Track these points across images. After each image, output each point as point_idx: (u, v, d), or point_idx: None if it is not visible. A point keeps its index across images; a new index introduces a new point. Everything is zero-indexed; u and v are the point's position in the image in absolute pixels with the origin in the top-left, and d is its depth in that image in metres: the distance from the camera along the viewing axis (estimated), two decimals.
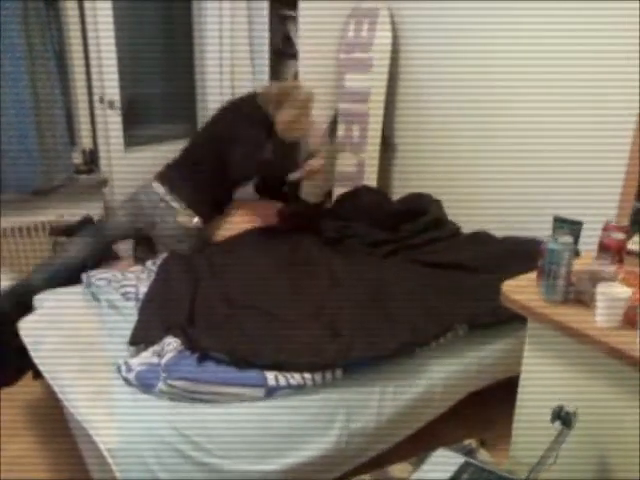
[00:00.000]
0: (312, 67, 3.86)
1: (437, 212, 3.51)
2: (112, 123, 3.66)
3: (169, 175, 3.29)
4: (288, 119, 3.29)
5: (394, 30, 3.73)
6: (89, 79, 3.57)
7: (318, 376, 2.18)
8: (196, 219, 3.21)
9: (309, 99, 3.37)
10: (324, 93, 3.88)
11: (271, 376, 2.13)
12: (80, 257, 3.09)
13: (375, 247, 3.19)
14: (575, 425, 1.63)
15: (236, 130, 3.19)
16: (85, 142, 3.69)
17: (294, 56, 3.93)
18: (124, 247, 3.45)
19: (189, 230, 3.21)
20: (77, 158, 3.66)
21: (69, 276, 2.93)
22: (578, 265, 1.96)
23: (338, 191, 3.93)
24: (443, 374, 2.44)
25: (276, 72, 4.12)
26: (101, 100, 3.60)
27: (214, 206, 3.39)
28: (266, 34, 3.86)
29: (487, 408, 2.61)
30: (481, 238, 3.27)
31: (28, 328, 2.57)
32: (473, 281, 2.78)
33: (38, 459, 2.54)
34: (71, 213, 3.53)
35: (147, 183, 3.30)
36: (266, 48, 3.90)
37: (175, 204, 3.18)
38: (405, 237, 3.27)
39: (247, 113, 3.29)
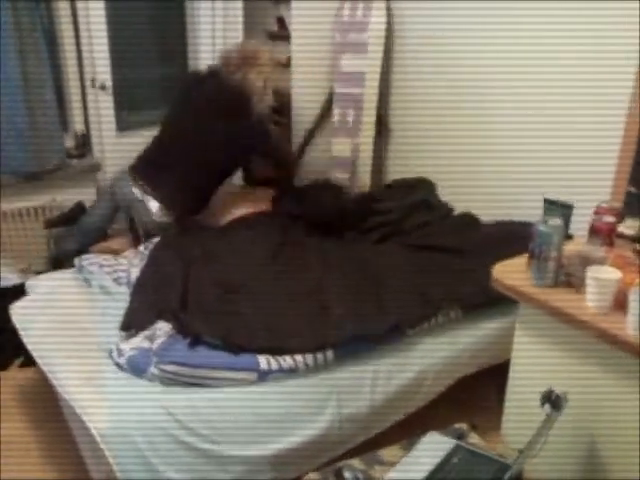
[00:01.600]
0: (305, 50, 3.82)
1: (426, 193, 3.51)
2: (104, 106, 3.64)
3: (146, 172, 3.21)
4: (263, 82, 3.24)
5: (389, 10, 3.69)
6: (80, 61, 3.54)
7: (310, 359, 2.18)
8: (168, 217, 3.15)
9: (273, 58, 3.37)
10: (318, 77, 3.86)
11: (263, 360, 2.13)
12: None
13: (366, 232, 3.18)
14: (565, 408, 1.63)
15: (231, 126, 3.13)
16: (77, 126, 3.67)
17: (287, 38, 3.90)
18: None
19: (162, 224, 3.14)
20: (69, 142, 3.64)
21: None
22: (569, 248, 1.96)
23: (334, 175, 3.92)
24: (435, 359, 2.44)
25: None
26: (92, 83, 3.57)
27: (194, 202, 3.31)
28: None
29: (478, 392, 2.62)
30: (472, 221, 3.27)
31: (20, 312, 2.56)
32: (464, 264, 2.77)
33: (30, 442, 2.54)
34: (64, 197, 3.52)
35: (121, 176, 3.27)
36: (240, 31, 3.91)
37: (151, 203, 3.13)
38: (395, 220, 3.25)
39: (228, 101, 3.19)
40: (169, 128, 3.35)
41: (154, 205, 3.12)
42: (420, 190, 3.54)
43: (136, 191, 3.14)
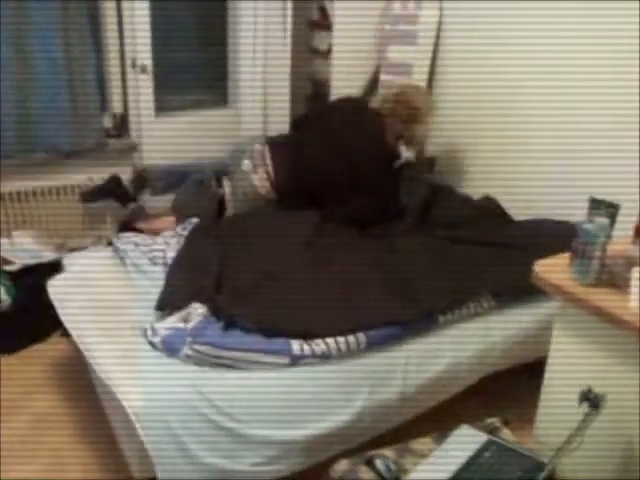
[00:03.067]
0: (347, 39, 3.80)
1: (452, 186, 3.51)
2: (143, 88, 3.66)
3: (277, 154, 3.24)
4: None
5: (441, 4, 3.66)
6: (122, 42, 3.56)
7: (342, 343, 2.17)
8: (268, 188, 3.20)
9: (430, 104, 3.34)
10: (358, 66, 3.85)
11: (296, 345, 2.14)
12: None
13: (396, 222, 3.15)
14: (603, 408, 1.61)
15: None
16: (116, 106, 3.70)
17: (329, 27, 3.89)
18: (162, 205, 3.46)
19: (258, 195, 3.18)
20: (107, 122, 3.66)
21: None
22: (614, 248, 1.93)
23: None
24: (468, 349, 2.43)
25: (308, 44, 4.10)
26: (133, 64, 3.59)
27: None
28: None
29: (512, 388, 2.61)
30: (499, 213, 3.24)
31: (56, 289, 2.59)
32: (499, 255, 2.75)
33: (63, 416, 2.58)
34: (100, 176, 3.55)
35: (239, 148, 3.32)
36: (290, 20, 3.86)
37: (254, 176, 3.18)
38: (423, 210, 3.22)
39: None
40: (304, 137, 3.31)
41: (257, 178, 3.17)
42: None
43: (248, 163, 3.19)
